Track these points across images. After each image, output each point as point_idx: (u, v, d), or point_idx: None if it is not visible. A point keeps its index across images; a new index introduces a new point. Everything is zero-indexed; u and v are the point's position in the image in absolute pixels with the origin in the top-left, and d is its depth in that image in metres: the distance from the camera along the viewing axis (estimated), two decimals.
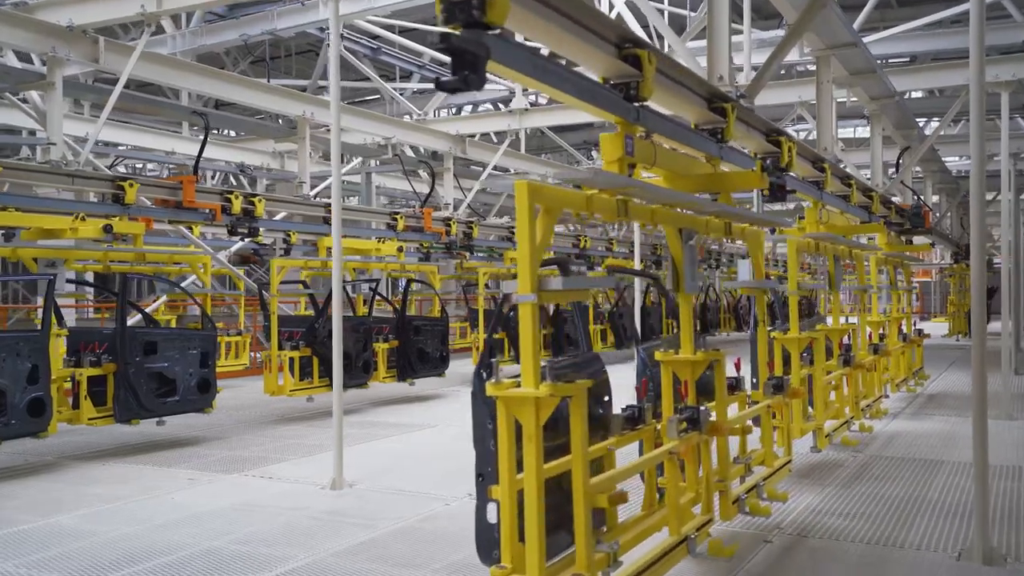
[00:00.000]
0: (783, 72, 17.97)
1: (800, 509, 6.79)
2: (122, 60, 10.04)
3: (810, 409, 8.71)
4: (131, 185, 9.86)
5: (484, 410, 4.13)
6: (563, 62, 4.26)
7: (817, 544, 5.93)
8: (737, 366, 6.56)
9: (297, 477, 8.24)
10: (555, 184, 4.26)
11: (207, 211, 10.56)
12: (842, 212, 9.22)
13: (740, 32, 14.15)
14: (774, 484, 6.62)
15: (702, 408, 5.12)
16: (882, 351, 10.88)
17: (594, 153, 26.53)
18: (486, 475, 4.18)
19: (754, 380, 7.42)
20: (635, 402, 5.12)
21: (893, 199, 13.67)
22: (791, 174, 6.95)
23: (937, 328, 30.35)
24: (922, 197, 13.51)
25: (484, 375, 3.94)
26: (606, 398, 4.98)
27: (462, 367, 16.41)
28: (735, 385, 6.07)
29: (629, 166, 4.60)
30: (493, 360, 3.86)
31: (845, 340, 10.26)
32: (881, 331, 12.03)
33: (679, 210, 5.36)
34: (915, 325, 14.16)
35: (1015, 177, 18.41)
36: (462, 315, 21.25)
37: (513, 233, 17.75)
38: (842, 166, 12.90)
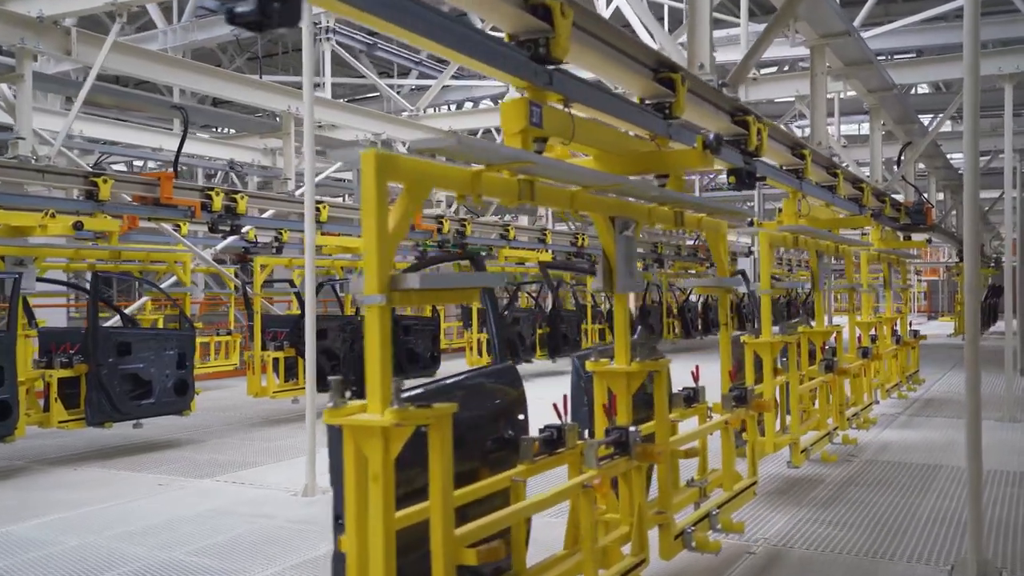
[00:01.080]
0: (787, 68, 17.67)
1: (771, 534, 6.13)
2: (96, 53, 9.77)
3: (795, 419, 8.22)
4: (105, 181, 9.59)
5: (338, 436, 3.04)
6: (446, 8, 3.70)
7: None
8: (695, 376, 5.72)
9: (271, 483, 7.97)
10: (416, 155, 3.29)
11: (186, 208, 10.29)
12: (828, 204, 8.61)
13: (737, 26, 13.94)
14: (733, 511, 5.89)
15: (632, 429, 4.37)
16: (872, 355, 10.22)
17: None
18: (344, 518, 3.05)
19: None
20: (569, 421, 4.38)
21: (895, 196, 13.36)
22: (763, 159, 6.31)
23: (945, 328, 29.98)
24: (926, 195, 13.17)
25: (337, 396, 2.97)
26: (520, 417, 4.26)
27: (457, 367, 16.13)
28: (692, 397, 5.49)
29: (538, 140, 3.90)
30: (334, 378, 2.95)
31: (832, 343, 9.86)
32: (873, 333, 11.44)
33: (613, 196, 4.56)
34: (911, 326, 13.44)
35: (1021, 174, 18.14)
36: (459, 314, 20.99)
37: (508, 231, 17.47)
38: (844, 164, 12.59)
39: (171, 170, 10.42)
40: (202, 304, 20.27)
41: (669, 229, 5.64)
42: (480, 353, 16.41)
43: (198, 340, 16.23)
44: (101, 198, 9.56)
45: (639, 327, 5.53)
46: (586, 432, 4.51)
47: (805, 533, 6.16)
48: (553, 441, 3.99)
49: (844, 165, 12.48)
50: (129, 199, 10.54)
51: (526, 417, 4.31)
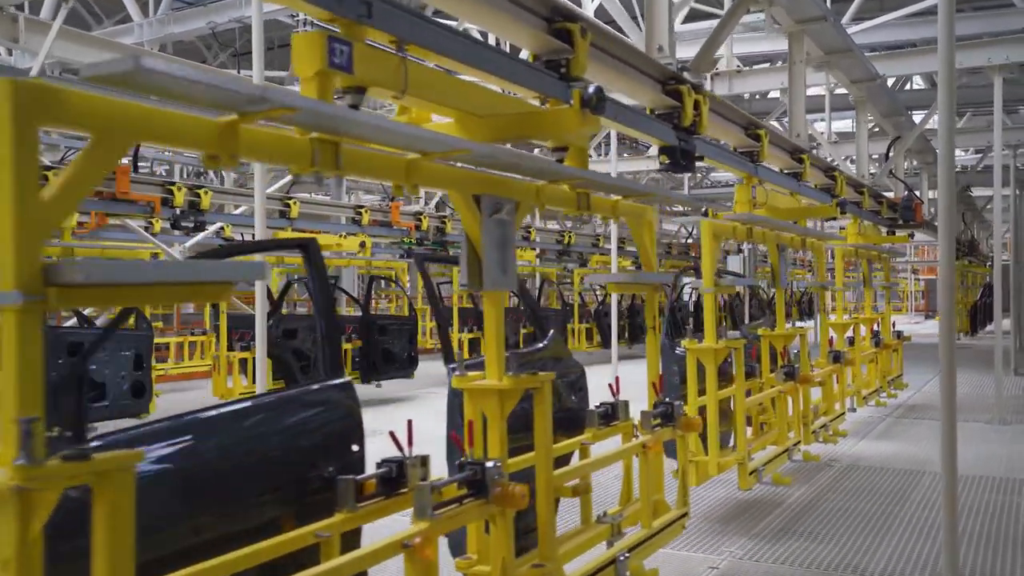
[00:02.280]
0: (781, 63, 17.29)
1: None
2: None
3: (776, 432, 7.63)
4: (55, 175, 9.20)
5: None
6: None
7: None
8: (614, 389, 4.87)
9: None
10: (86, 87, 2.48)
11: (144, 204, 9.93)
12: (793, 193, 7.79)
13: (719, 17, 13.56)
14: (654, 551, 4.92)
15: (490, 464, 3.42)
16: (844, 359, 9.27)
17: None
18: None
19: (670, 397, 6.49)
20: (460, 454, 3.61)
21: (887, 193, 12.99)
22: (703, 138, 5.52)
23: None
24: (916, 192, 12.78)
25: None
26: (355, 448, 3.63)
27: (437, 368, 15.78)
28: (610, 414, 4.72)
29: (352, 91, 3.02)
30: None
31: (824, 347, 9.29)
32: (851, 334, 10.77)
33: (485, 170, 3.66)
34: (894, 326, 12.60)
35: (1014, 171, 17.75)
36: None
37: None
38: (829, 159, 12.21)
39: (129, 164, 10.06)
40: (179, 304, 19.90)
41: (572, 214, 4.48)
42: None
43: (173, 340, 15.97)
44: None
45: (551, 332, 5.18)
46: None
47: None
48: (391, 480, 3.34)
49: (830, 160, 12.10)
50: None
51: (361, 448, 3.69)
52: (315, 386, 3.73)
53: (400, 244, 15.52)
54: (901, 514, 6.63)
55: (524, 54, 4.38)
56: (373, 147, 3.11)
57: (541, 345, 5.15)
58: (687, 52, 14.96)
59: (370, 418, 10.82)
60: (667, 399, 5.18)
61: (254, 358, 11.63)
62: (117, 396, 9.15)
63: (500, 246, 3.62)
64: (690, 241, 26.64)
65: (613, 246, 13.55)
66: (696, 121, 5.21)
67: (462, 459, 3.50)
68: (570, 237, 19.66)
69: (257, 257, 8.16)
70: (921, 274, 46.92)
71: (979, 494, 7.24)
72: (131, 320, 9.60)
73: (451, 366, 3.88)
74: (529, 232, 18.33)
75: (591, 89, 3.81)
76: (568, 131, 3.91)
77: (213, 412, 3.38)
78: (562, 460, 4.60)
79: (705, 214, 6.28)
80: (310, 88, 2.84)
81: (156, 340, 17.06)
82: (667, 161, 5.09)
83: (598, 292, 21.02)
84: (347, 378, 3.74)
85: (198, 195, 10.74)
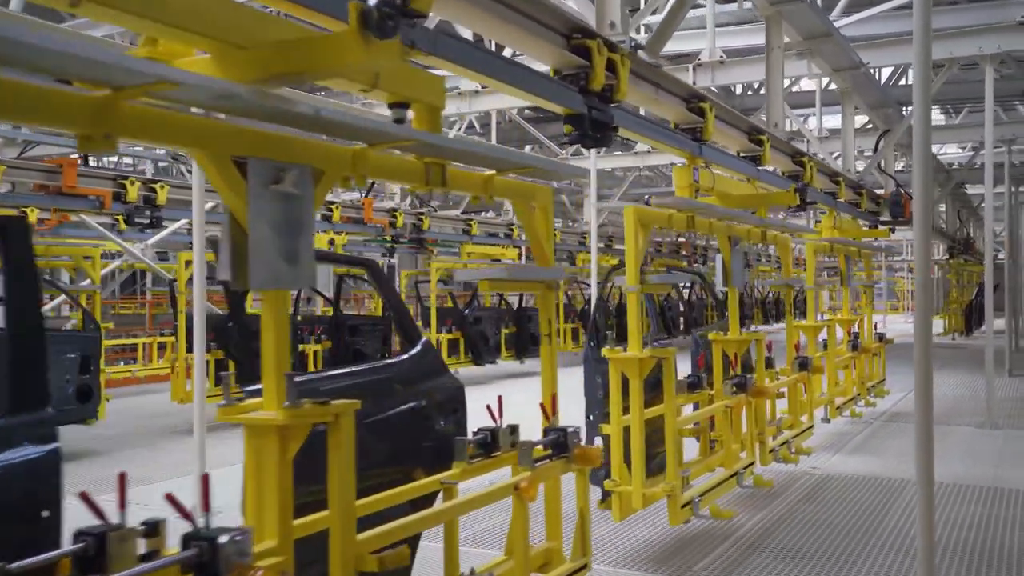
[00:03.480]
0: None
1: None
2: None
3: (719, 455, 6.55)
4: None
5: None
6: None
7: None
8: (493, 412, 4.02)
9: (159, 503, 7.13)
10: None
11: (94, 198, 9.47)
12: (752, 180, 6.87)
13: (703, 5, 13.11)
14: None
15: (224, 539, 2.46)
16: (812, 366, 8.09)
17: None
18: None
19: (593, 414, 5.60)
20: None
21: (877, 191, 12.52)
22: (619, 105, 4.61)
23: (936, 327, 29.08)
24: (905, 188, 12.32)
25: None
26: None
27: None
28: (490, 442, 3.88)
29: None
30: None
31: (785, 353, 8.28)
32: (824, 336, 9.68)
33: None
34: (876, 328, 11.60)
35: (1009, 167, 17.32)
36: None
37: (470, 226, 16.66)
38: (818, 156, 11.72)
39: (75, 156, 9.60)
40: (151, 303, 19.46)
41: (419, 190, 3.56)
42: None
43: (141, 341, 15.51)
44: None
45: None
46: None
47: None
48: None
49: (816, 156, 11.61)
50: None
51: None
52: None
53: (376, 241, 15.06)
54: (867, 550, 5.69)
55: None
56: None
57: (404, 358, 4.41)
58: (684, 46, 14.64)
59: None
60: (559, 426, 4.20)
61: (218, 360, 11.28)
62: (61, 401, 8.69)
63: (283, 229, 2.71)
64: (681, 239, 25.87)
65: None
66: (613, 87, 4.43)
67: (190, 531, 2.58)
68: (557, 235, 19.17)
69: None
70: (932, 276, 46.38)
71: (962, 507, 6.79)
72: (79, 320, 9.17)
73: (244, 390, 3.08)
74: (511, 230, 17.84)
75: (372, 1, 2.62)
76: (347, 63, 2.74)
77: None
78: (425, 502, 3.80)
79: (648, 202, 5.48)
80: None
81: (124, 341, 16.68)
82: (572, 132, 4.25)
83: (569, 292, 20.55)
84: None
85: (154, 190, 10.28)
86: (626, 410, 5.30)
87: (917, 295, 4.83)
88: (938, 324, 27.78)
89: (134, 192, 9.99)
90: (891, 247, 33.65)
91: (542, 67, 4.58)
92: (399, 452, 4.00)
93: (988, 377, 10.62)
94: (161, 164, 19.07)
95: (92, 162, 20.09)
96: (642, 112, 6.24)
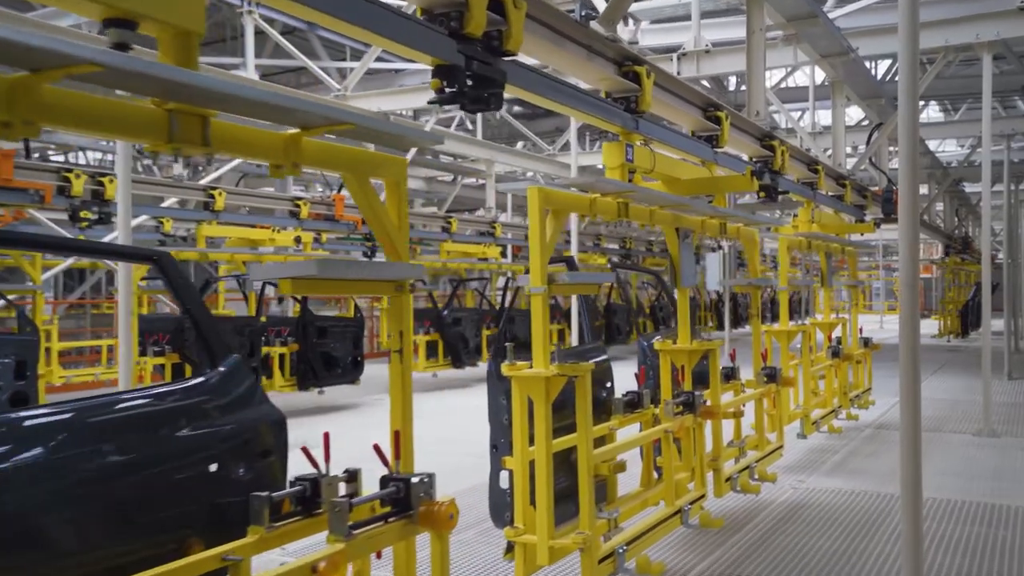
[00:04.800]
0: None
1: None
2: None
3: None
4: None
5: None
6: None
7: None
8: (310, 455, 3.07)
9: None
10: None
11: (32, 192, 8.89)
12: (708, 164, 5.93)
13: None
14: None
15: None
16: (781, 378, 7.05)
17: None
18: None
19: (499, 443, 4.50)
20: None
21: (872, 188, 11.94)
22: (521, 61, 3.79)
23: (934, 327, 28.48)
24: (898, 184, 11.74)
25: None
26: None
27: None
28: (310, 498, 2.96)
29: None
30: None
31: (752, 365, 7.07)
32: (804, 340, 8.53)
33: None
34: (862, 332, 10.48)
35: (1008, 165, 16.74)
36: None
37: (450, 223, 16.08)
38: (810, 151, 11.14)
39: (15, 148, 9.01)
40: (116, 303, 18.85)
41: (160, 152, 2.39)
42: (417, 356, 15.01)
43: (105, 343, 14.90)
44: None
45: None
46: None
47: None
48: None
49: (808, 150, 11.04)
50: None
51: None
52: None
53: (351, 239, 14.48)
54: None
55: None
56: None
57: (196, 382, 3.42)
58: (670, 39, 14.06)
59: (305, 429, 9.24)
60: (401, 475, 3.21)
61: (174, 364, 10.72)
62: None
63: None
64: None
65: None
66: (500, 33, 3.49)
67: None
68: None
69: None
70: (918, 272, 45.87)
71: (956, 526, 6.21)
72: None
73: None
74: (494, 227, 17.28)
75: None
76: None
77: None
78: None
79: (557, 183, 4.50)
80: None
81: (80, 344, 16.09)
82: (441, 87, 3.31)
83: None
84: None
85: (101, 183, 9.69)
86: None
87: (902, 294, 4.27)
88: (934, 325, 27.19)
89: (79, 186, 9.41)
90: (889, 245, 33.11)
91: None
92: (165, 516, 3.01)
93: (985, 381, 10.03)
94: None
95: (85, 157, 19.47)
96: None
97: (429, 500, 3.16)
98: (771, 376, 6.92)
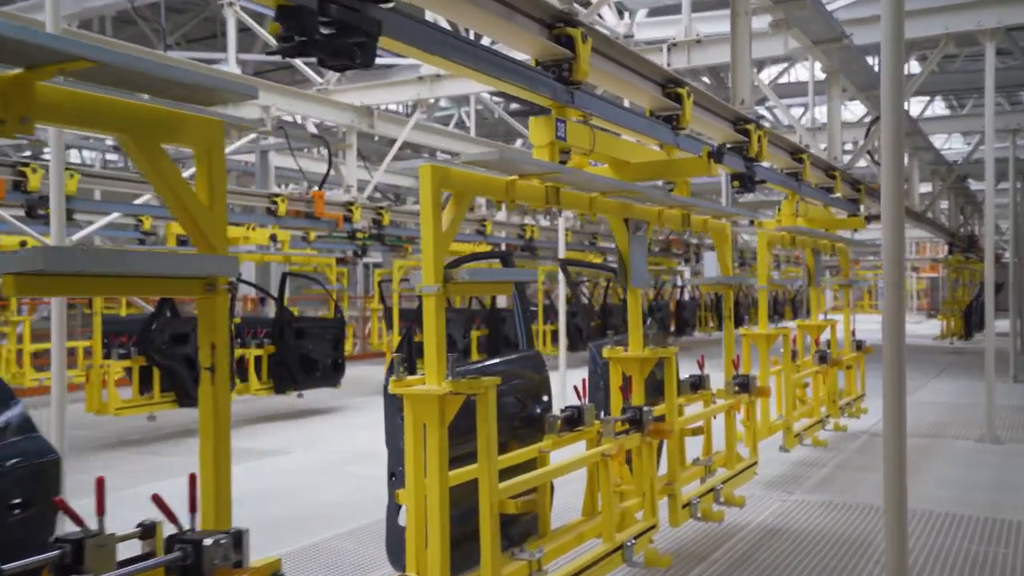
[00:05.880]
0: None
1: None
2: None
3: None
4: None
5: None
6: None
7: None
8: (157, 500, 2.61)
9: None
10: None
11: None
12: (666, 146, 5.19)
13: None
14: None
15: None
16: (755, 389, 6.26)
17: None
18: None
19: (397, 472, 3.72)
20: None
21: (871, 186, 11.47)
22: (395, 8, 3.07)
23: (934, 329, 27.94)
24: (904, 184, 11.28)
25: None
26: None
27: (378, 373, 14.30)
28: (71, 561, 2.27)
29: None
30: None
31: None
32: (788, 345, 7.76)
33: None
34: (855, 335, 9.71)
35: (1014, 161, 16.24)
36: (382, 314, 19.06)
37: None
38: (807, 147, 10.67)
39: None
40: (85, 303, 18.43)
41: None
42: None
43: (73, 345, 14.48)
44: None
45: None
46: None
47: None
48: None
49: (806, 147, 10.56)
50: None
51: None
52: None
53: (334, 238, 14.04)
54: None
55: None
56: None
57: None
58: (660, 32, 13.60)
59: (267, 436, 8.63)
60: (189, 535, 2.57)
61: (142, 367, 10.28)
62: None
63: None
64: (672, 236, 24.64)
65: None
66: None
67: None
68: (532, 231, 18.19)
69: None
70: (923, 272, 45.38)
71: (953, 542, 5.76)
72: None
73: None
74: (484, 225, 16.86)
75: None
76: None
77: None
78: None
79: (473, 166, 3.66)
80: None
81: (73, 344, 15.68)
82: (279, 34, 2.69)
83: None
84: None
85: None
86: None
87: (887, 294, 3.82)
88: (938, 326, 26.64)
89: (36, 181, 9.01)
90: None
91: None
92: None
93: (988, 384, 9.55)
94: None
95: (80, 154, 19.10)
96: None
97: (229, 568, 2.43)
98: (743, 386, 6.22)
